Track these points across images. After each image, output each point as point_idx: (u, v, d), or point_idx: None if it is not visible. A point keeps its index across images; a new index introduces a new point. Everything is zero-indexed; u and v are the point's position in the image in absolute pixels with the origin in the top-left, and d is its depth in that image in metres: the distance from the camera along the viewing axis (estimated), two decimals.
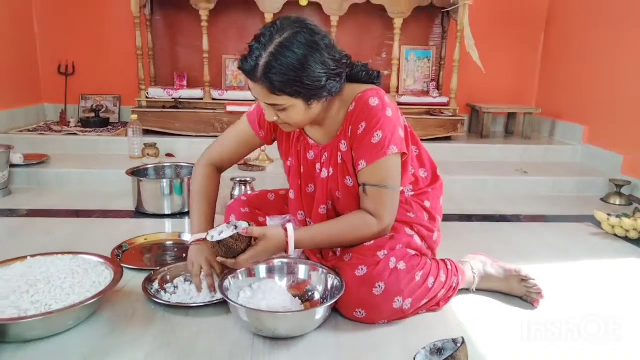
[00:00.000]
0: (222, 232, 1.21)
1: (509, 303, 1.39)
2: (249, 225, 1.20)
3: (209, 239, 1.20)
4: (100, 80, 3.42)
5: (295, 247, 1.24)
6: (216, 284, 1.28)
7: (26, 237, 1.82)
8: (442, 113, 3.11)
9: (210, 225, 1.40)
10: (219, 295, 1.27)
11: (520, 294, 1.40)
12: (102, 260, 1.34)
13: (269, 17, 2.94)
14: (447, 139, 3.11)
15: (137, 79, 3.10)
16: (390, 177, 1.26)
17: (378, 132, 1.23)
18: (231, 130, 1.49)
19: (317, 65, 1.15)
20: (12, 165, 2.40)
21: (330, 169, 1.34)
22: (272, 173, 2.56)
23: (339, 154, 1.31)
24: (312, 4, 3.00)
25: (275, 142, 1.50)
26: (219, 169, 1.49)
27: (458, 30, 3.04)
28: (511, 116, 3.51)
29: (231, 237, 1.17)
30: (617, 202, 2.47)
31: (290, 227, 1.24)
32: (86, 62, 3.39)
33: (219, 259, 1.21)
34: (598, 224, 2.08)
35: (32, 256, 1.32)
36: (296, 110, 1.20)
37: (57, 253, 1.34)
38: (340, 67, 1.21)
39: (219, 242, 1.17)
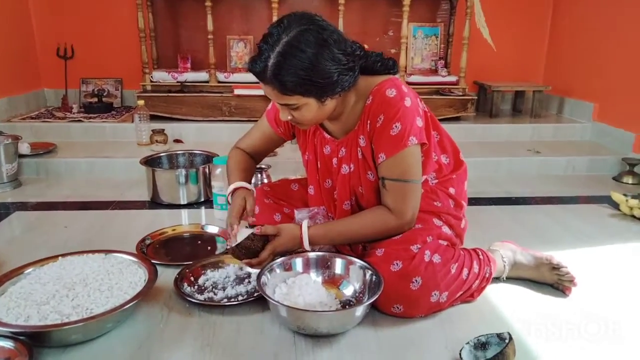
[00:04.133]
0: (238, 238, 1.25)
1: (540, 291, 1.39)
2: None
3: (228, 247, 1.27)
4: (100, 63, 3.33)
5: (311, 243, 1.27)
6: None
7: (44, 232, 1.79)
8: (452, 92, 3.07)
9: (249, 177, 1.45)
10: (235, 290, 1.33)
11: (552, 281, 1.41)
12: (133, 259, 1.32)
13: None
14: (456, 119, 3.09)
15: (138, 61, 3.03)
16: (411, 170, 1.24)
17: (397, 123, 1.20)
18: (255, 126, 1.51)
19: (328, 62, 1.11)
20: (20, 156, 2.35)
21: (351, 165, 1.32)
22: (284, 157, 2.53)
23: (359, 149, 1.29)
24: None
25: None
26: (252, 157, 1.52)
27: (467, 7, 2.98)
28: (519, 94, 3.48)
29: (247, 238, 1.21)
30: (630, 181, 2.48)
31: (304, 223, 1.27)
32: (85, 44, 3.30)
33: (244, 261, 1.25)
34: (614, 204, 2.09)
35: (63, 256, 1.30)
36: (309, 109, 1.18)
37: (88, 252, 1.32)
38: (353, 60, 1.18)
39: (237, 245, 1.22)
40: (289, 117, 1.22)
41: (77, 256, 1.31)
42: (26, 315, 1.08)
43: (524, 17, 3.49)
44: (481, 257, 1.36)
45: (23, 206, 2.06)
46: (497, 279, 1.42)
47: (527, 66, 3.59)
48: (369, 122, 1.24)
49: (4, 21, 2.91)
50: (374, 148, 1.25)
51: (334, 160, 1.36)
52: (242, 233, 1.24)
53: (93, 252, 1.33)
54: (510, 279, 1.43)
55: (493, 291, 1.38)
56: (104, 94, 3.27)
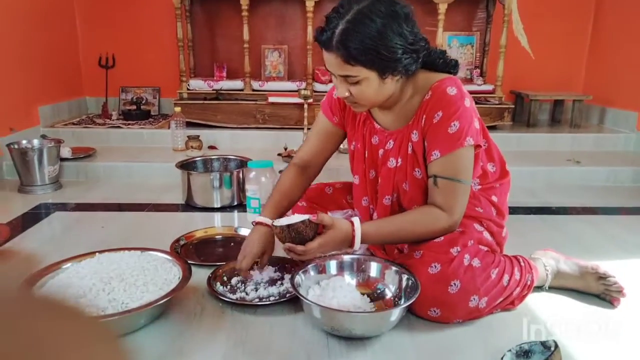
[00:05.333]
0: (290, 220, 1.18)
1: (586, 302, 1.33)
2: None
3: (276, 224, 1.18)
4: (139, 73, 3.43)
5: (362, 241, 1.21)
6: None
7: (83, 231, 1.83)
8: (488, 101, 3.02)
9: (286, 205, 1.40)
10: (267, 291, 1.31)
11: (598, 292, 1.34)
12: (168, 257, 1.33)
13: (310, 6, 2.89)
14: (493, 128, 3.02)
15: (175, 70, 3.10)
16: (464, 170, 1.21)
17: (455, 122, 1.17)
18: (313, 127, 1.47)
19: (395, 35, 1.10)
20: (62, 159, 2.42)
21: (399, 159, 1.29)
22: None
23: (410, 144, 1.26)
24: None
25: None
26: (308, 168, 1.45)
27: (505, 15, 2.93)
28: (558, 104, 3.38)
29: (302, 222, 1.14)
30: None
31: (356, 220, 1.21)
32: (126, 54, 3.40)
33: (287, 244, 1.18)
34: None
35: (101, 252, 1.32)
36: (369, 84, 1.15)
37: (124, 249, 1.34)
38: (418, 42, 1.16)
39: (289, 226, 1.15)
40: (347, 94, 1.19)
41: (113, 253, 1.32)
42: None
43: (563, 25, 3.41)
44: (522, 264, 1.31)
45: (63, 207, 2.11)
46: (539, 288, 1.36)
47: (567, 75, 3.50)
48: (424, 117, 1.21)
49: (51, 32, 3.04)
50: (427, 144, 1.22)
51: (380, 152, 1.33)
52: (296, 217, 1.18)
53: (129, 249, 1.35)
54: (553, 289, 1.37)
55: (535, 300, 1.32)
56: (142, 102, 3.36)
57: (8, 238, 1.74)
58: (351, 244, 1.20)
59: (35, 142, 2.39)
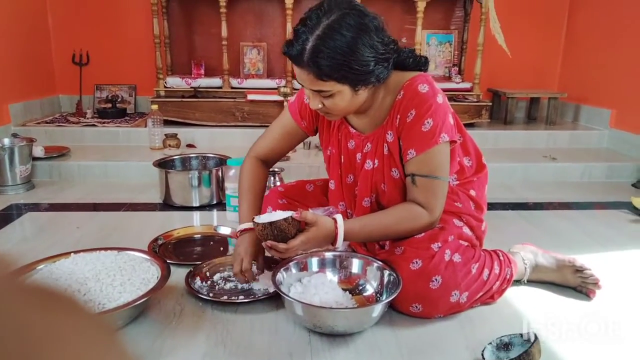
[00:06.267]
0: (272, 217, 1.15)
1: (563, 294, 1.35)
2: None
3: (257, 220, 1.15)
4: (114, 70, 3.36)
5: (345, 238, 1.20)
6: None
7: (58, 232, 1.78)
8: (466, 99, 3.05)
9: (260, 202, 1.39)
10: (256, 287, 1.28)
11: (575, 284, 1.36)
12: (146, 256, 1.30)
13: (289, 3, 2.87)
14: (470, 125, 3.06)
15: (152, 68, 3.05)
16: (441, 167, 1.21)
17: (429, 119, 1.18)
18: (276, 123, 1.45)
19: (366, 48, 1.09)
20: (34, 159, 2.36)
21: (376, 161, 1.29)
22: (297, 162, 2.51)
23: (385, 145, 1.26)
24: None
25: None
26: (266, 162, 1.46)
27: (482, 14, 2.96)
28: (534, 101, 3.44)
29: (284, 219, 1.12)
30: None
31: (339, 217, 1.20)
32: (100, 51, 3.33)
33: (269, 242, 1.15)
34: (634, 210, 2.04)
35: (76, 252, 1.29)
36: (342, 97, 1.15)
37: (100, 249, 1.31)
38: (389, 52, 1.16)
39: (271, 223, 1.12)
40: (319, 106, 1.19)
41: (89, 253, 1.29)
42: None
43: (539, 24, 3.47)
44: (502, 258, 1.33)
45: (35, 207, 2.05)
46: (518, 282, 1.38)
47: (542, 73, 3.56)
48: (398, 117, 1.21)
49: (23, 28, 2.95)
50: (403, 144, 1.22)
51: (358, 156, 1.33)
52: (278, 214, 1.16)
53: (106, 249, 1.32)
54: (531, 282, 1.39)
55: (514, 293, 1.34)
56: (118, 100, 3.30)
57: None
58: (334, 241, 1.19)
59: (6, 141, 2.31)
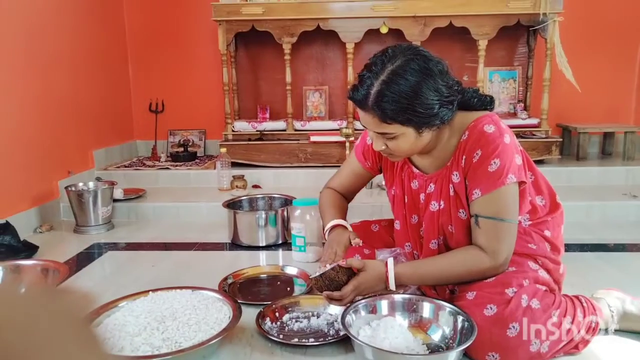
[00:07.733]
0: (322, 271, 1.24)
1: None
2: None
3: (311, 277, 1.26)
4: (186, 116, 3.57)
5: (398, 282, 1.21)
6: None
7: (135, 270, 1.88)
8: (534, 135, 2.95)
9: (344, 214, 1.46)
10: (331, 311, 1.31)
11: None
12: (218, 296, 1.34)
13: (350, 47, 2.96)
14: (540, 162, 2.94)
15: (221, 113, 3.21)
16: (508, 209, 1.17)
17: (495, 160, 1.15)
18: (345, 163, 1.54)
19: (430, 92, 1.11)
20: (114, 200, 2.52)
21: (441, 202, 1.27)
22: (359, 201, 2.48)
23: (451, 185, 1.25)
24: (393, 31, 2.99)
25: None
26: (343, 195, 1.55)
27: (547, 48, 2.90)
28: (608, 136, 3.27)
29: (332, 269, 1.20)
30: None
31: (390, 260, 1.22)
32: (174, 99, 3.56)
33: (325, 293, 1.22)
34: None
35: (154, 291, 1.35)
36: (406, 139, 1.17)
37: (176, 288, 1.36)
38: (453, 94, 1.17)
39: (321, 275, 1.21)
40: (383, 147, 1.21)
41: (166, 292, 1.35)
42: (120, 346, 1.11)
43: (610, 55, 3.33)
44: (585, 304, 1.24)
45: (115, 246, 2.18)
46: (604, 331, 1.28)
47: (616, 106, 3.39)
48: (464, 157, 1.20)
49: (107, 79, 3.24)
50: (468, 184, 1.21)
51: (422, 196, 1.32)
52: (328, 267, 1.23)
53: (181, 288, 1.37)
54: (619, 332, 1.29)
55: (600, 344, 1.24)
56: (189, 144, 3.49)
57: (66, 277, 1.80)
58: (387, 284, 1.21)
59: (91, 184, 2.50)
